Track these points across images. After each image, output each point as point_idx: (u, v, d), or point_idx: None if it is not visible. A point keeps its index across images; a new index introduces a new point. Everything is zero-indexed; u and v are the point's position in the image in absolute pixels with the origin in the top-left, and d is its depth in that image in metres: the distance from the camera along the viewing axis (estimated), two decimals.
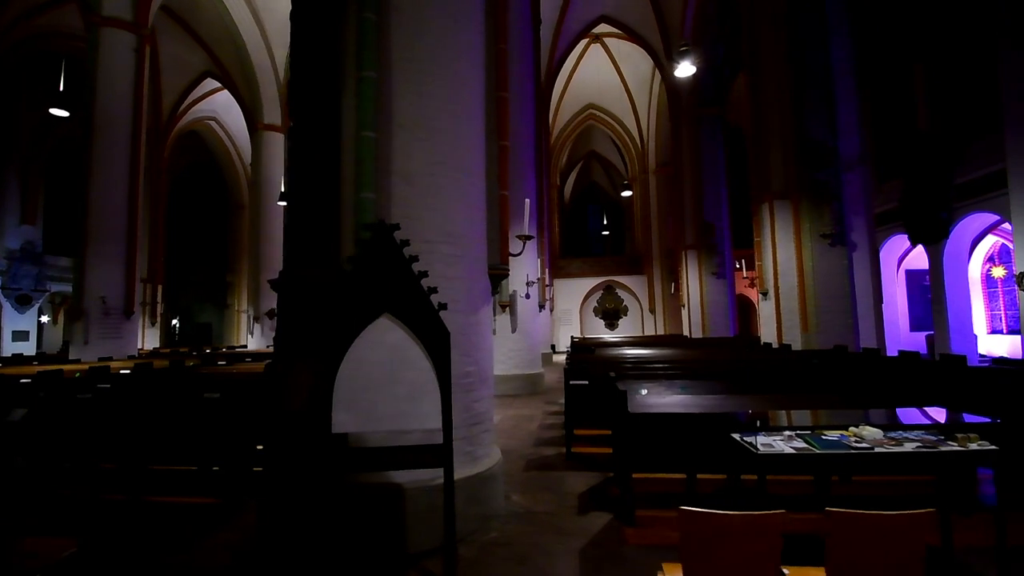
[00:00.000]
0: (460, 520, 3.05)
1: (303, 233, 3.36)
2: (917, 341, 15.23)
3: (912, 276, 15.74)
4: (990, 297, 14.17)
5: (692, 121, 17.68)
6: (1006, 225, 12.35)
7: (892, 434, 2.62)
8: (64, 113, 9.48)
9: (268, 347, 16.78)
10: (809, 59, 8.74)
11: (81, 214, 11.53)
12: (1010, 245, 13.39)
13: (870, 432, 2.57)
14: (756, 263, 9.55)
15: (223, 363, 9.29)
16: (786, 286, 8.71)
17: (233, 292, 26.00)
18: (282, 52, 18.98)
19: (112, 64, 11.93)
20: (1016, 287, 12.65)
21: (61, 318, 24.23)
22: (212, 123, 24.46)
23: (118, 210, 11.86)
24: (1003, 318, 13.90)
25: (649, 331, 25.21)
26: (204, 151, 26.22)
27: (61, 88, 9.40)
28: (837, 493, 3.64)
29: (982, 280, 14.12)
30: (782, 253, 8.91)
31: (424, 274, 2.63)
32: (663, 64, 18.26)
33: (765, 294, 9.21)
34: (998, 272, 13.47)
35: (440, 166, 3.21)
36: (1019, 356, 12.51)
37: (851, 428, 2.67)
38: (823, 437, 2.59)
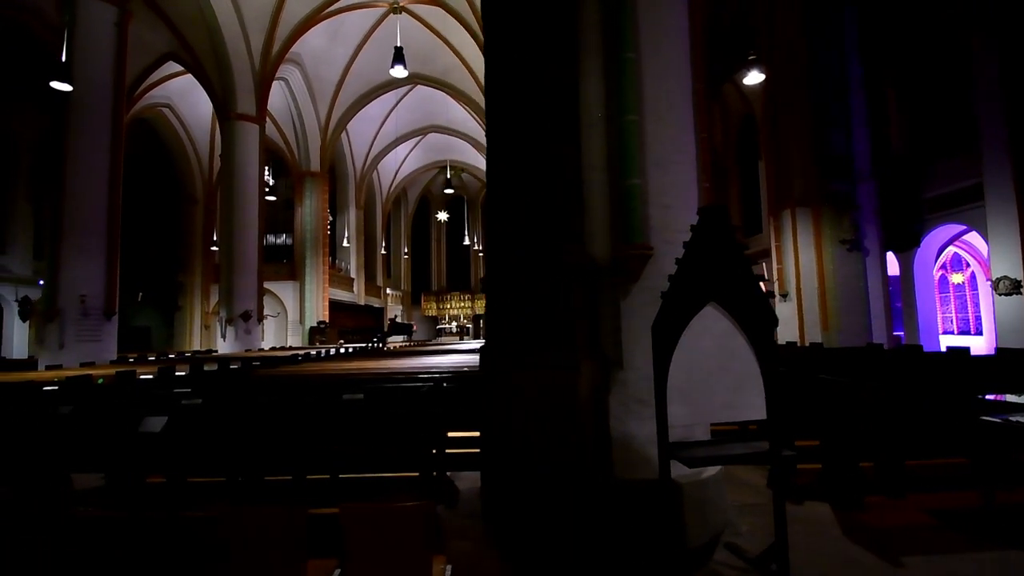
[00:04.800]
0: (719, 514, 3.00)
1: (522, 229, 3.20)
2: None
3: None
4: (942, 301, 15.87)
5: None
6: (967, 236, 13.92)
7: None
8: (67, 87, 8.34)
9: (247, 351, 15.57)
10: (827, 74, 9.46)
11: (55, 204, 10.20)
12: (962, 254, 15.10)
13: None
14: (776, 266, 10.16)
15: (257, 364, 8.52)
16: (808, 288, 9.31)
17: (186, 293, 23.90)
18: (259, 38, 17.84)
19: (91, 40, 10.69)
20: (981, 291, 14.23)
21: None
22: (166, 110, 22.46)
23: (98, 200, 10.62)
24: (954, 320, 15.63)
25: None
26: (153, 140, 23.97)
27: (64, 59, 8.25)
28: None
29: (935, 286, 15.80)
30: (804, 257, 9.53)
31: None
32: None
33: (785, 296, 9.80)
34: (957, 278, 15.11)
35: (681, 153, 3.17)
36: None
37: None
38: None
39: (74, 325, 10.00)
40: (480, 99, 23.00)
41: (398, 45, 8.25)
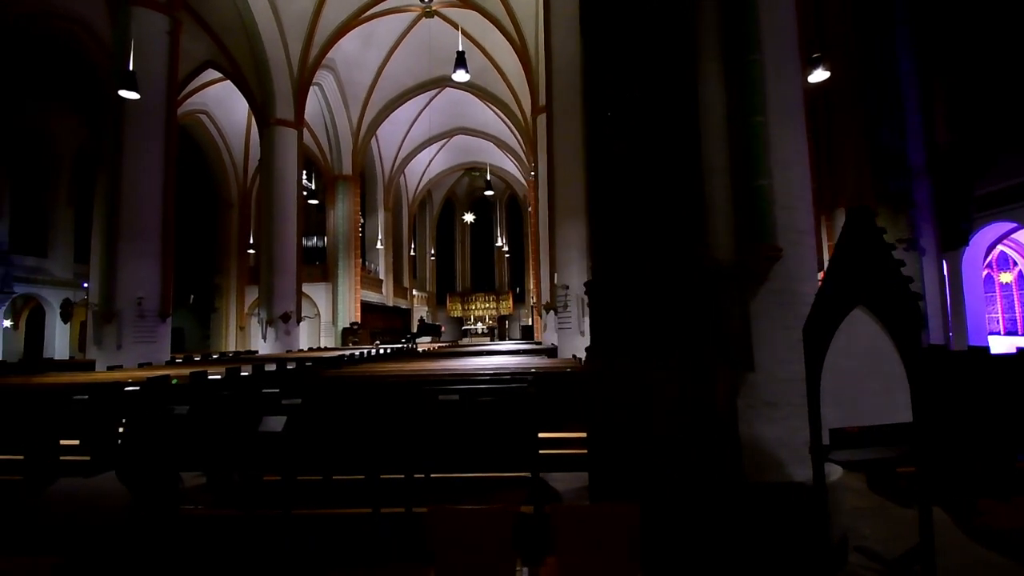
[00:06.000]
0: (843, 518, 2.98)
1: (641, 233, 3.22)
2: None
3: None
4: (987, 301, 15.42)
5: None
6: (1016, 235, 13.51)
7: None
8: (135, 95, 8.61)
9: (287, 351, 15.85)
10: (880, 68, 9.28)
11: (112, 209, 10.52)
12: (1010, 253, 14.66)
13: None
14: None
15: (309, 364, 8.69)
16: None
17: (222, 295, 24.43)
18: (297, 45, 18.18)
19: (146, 49, 11.00)
20: None
21: (23, 323, 21.94)
22: (203, 117, 23.02)
23: (152, 205, 10.93)
24: (1000, 320, 15.17)
25: None
26: (191, 146, 24.57)
27: (131, 67, 8.52)
28: None
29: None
30: None
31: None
32: None
33: None
34: (1005, 277, 14.68)
35: (800, 154, 3.16)
36: None
37: None
38: None
39: (131, 326, 10.31)
40: (510, 100, 23.07)
41: (460, 50, 8.33)
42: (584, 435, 5.37)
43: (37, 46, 17.10)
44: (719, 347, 2.86)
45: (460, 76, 8.44)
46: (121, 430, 6.00)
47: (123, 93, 8.54)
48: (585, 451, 4.88)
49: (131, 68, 8.38)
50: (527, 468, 3.56)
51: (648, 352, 3.07)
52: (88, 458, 5.27)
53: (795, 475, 2.86)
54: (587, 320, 9.66)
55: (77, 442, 5.45)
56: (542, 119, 17.67)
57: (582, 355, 9.02)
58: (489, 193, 24.83)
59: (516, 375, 5.95)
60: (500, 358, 9.85)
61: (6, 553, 2.91)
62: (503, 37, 17.99)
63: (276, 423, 3.44)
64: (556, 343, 14.27)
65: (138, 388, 5.90)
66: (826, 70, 7.93)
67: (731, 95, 3.00)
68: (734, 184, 2.97)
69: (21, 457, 5.03)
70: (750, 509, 2.72)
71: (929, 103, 12.95)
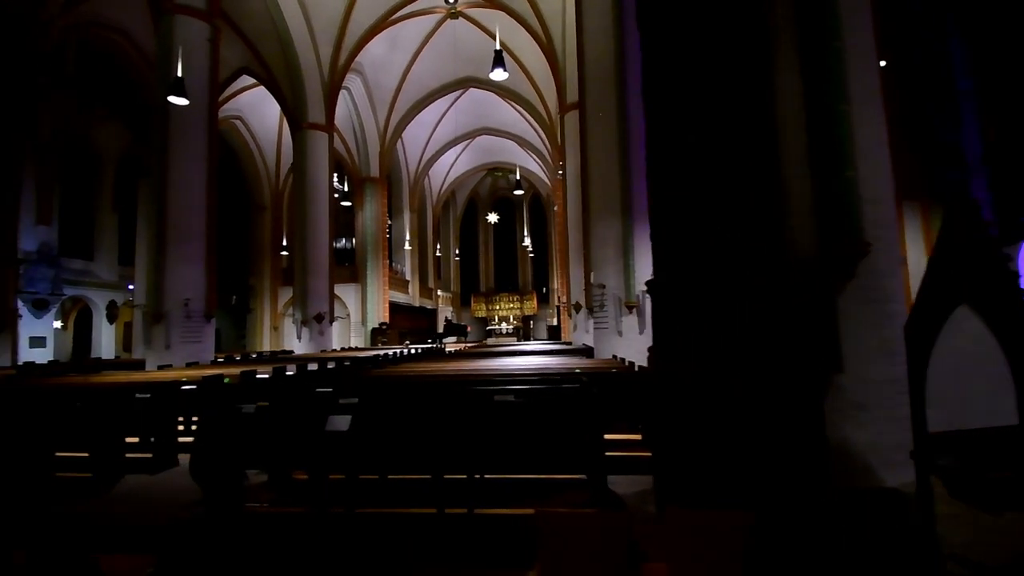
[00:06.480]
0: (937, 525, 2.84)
1: (699, 232, 3.14)
2: None
3: None
4: None
5: None
6: None
7: None
8: (184, 101, 8.88)
9: (322, 351, 16.14)
10: (931, 53, 8.90)
11: (159, 213, 10.86)
12: None
13: None
14: None
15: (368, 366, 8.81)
16: (917, 288, 8.74)
17: (255, 296, 25.03)
18: (328, 50, 18.47)
19: (188, 57, 11.30)
20: None
21: (71, 324, 22.87)
22: (237, 122, 23.59)
23: (196, 209, 11.24)
24: None
25: None
26: (225, 151, 25.23)
27: (179, 73, 8.79)
28: None
29: None
30: (912, 255, 9.05)
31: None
32: None
33: None
34: None
35: (880, 145, 3.04)
36: None
37: None
38: None
39: (178, 327, 10.62)
40: (535, 99, 23.02)
41: (497, 48, 8.32)
42: (637, 437, 5.30)
43: (81, 56, 17.77)
44: (802, 347, 2.76)
45: (498, 75, 8.43)
46: (180, 428, 6.18)
47: (172, 99, 8.80)
48: (637, 453, 4.81)
49: (179, 74, 8.62)
50: (590, 470, 3.51)
51: (720, 353, 2.99)
52: (150, 455, 5.45)
53: (886, 480, 2.75)
54: (624, 320, 9.56)
55: (136, 439, 5.64)
56: (570, 117, 17.59)
57: (622, 355, 8.92)
58: (519, 193, 24.84)
59: (564, 375, 5.90)
60: (537, 358, 9.82)
61: (97, 551, 3.01)
62: (528, 36, 17.94)
63: (342, 422, 3.47)
64: (588, 343, 14.17)
65: (195, 387, 6.07)
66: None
67: (810, 84, 2.90)
68: (815, 176, 2.86)
69: (86, 454, 5.20)
70: (840, 516, 2.62)
71: (986, 93, 12.39)
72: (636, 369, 6.27)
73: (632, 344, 9.26)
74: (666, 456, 3.32)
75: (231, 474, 3.65)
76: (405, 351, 15.07)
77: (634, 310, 9.33)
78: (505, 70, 8.26)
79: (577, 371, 6.16)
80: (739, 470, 2.80)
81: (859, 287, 2.77)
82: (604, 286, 9.62)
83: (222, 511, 3.52)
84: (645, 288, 9.58)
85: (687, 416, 3.07)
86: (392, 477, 4.21)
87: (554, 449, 3.67)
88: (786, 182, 2.93)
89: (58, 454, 5.05)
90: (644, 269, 9.55)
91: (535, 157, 29.13)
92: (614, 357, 8.86)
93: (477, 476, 3.93)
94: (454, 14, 20.44)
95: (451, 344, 25.10)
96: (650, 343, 9.70)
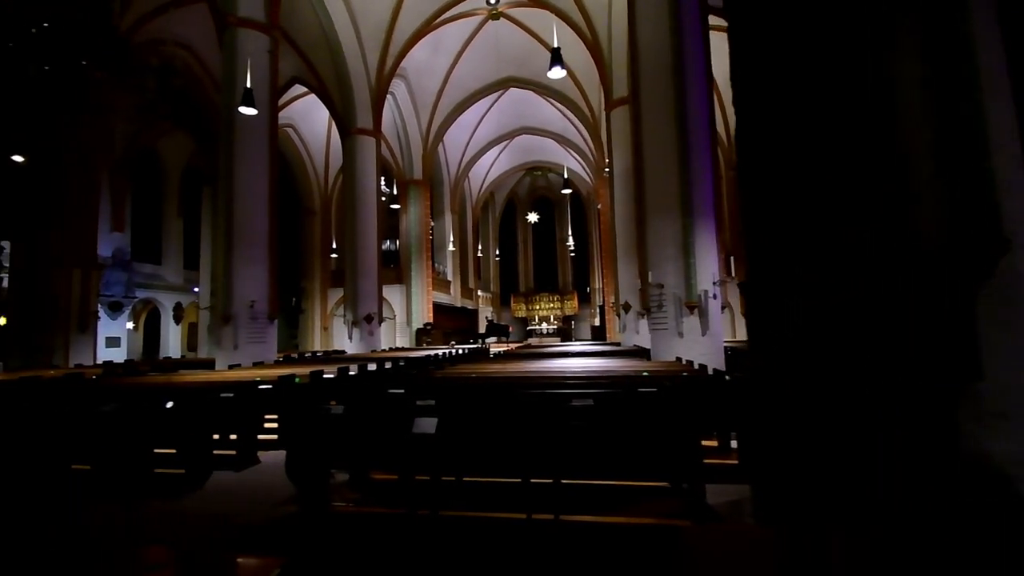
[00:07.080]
0: None
1: (800, 230, 2.97)
2: None
3: None
4: None
5: None
6: None
7: None
8: (253, 111, 9.31)
9: (372, 351, 16.54)
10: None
11: (227, 219, 11.38)
12: None
13: None
14: None
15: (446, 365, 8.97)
16: None
17: (307, 297, 25.93)
18: (375, 56, 18.89)
19: (252, 68, 11.78)
20: None
21: (142, 324, 24.36)
22: (289, 130, 24.48)
23: (260, 215, 11.70)
24: None
25: None
26: (279, 159, 26.25)
27: (248, 85, 9.21)
28: None
29: None
30: None
31: None
32: None
33: None
34: None
35: (1012, 133, 2.80)
36: None
37: None
38: None
39: (245, 328, 11.09)
40: (577, 96, 22.81)
41: (555, 47, 8.27)
42: (714, 443, 5.14)
43: (150, 71, 18.85)
44: (930, 353, 2.57)
45: (556, 73, 8.37)
46: (266, 426, 6.43)
47: (243, 109, 9.20)
48: (722, 460, 4.65)
49: (248, 86, 9.01)
50: (687, 479, 3.40)
51: (828, 358, 2.82)
52: (234, 452, 5.69)
53: None
54: (685, 321, 9.29)
55: (217, 437, 5.89)
56: (616, 113, 17.30)
57: (685, 357, 8.66)
58: (567, 191, 24.75)
59: (632, 378, 5.78)
60: (592, 360, 9.69)
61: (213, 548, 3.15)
62: (570, 32, 17.75)
63: (428, 424, 3.50)
64: (639, 344, 13.89)
65: (270, 387, 6.30)
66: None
67: (935, 70, 2.70)
68: (945, 169, 2.66)
69: (173, 451, 5.45)
70: (976, 532, 2.42)
71: None
72: (711, 372, 6.07)
73: (694, 346, 9.00)
74: (770, 467, 3.17)
75: (322, 474, 3.76)
76: (452, 351, 15.23)
77: (695, 310, 9.06)
78: (563, 68, 8.18)
79: (645, 374, 6.02)
80: (854, 483, 2.64)
81: (997, 287, 2.55)
82: (662, 286, 9.39)
83: (317, 510, 3.63)
84: (711, 286, 9.27)
85: (796, 426, 2.92)
86: (469, 480, 4.23)
87: (642, 455, 3.58)
88: (910, 175, 2.73)
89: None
90: (706, 269, 9.26)
91: (575, 155, 28.89)
92: (678, 360, 8.63)
93: (553, 481, 3.89)
94: (495, 15, 20.52)
95: (493, 344, 25.24)
96: (714, 346, 9.37)
